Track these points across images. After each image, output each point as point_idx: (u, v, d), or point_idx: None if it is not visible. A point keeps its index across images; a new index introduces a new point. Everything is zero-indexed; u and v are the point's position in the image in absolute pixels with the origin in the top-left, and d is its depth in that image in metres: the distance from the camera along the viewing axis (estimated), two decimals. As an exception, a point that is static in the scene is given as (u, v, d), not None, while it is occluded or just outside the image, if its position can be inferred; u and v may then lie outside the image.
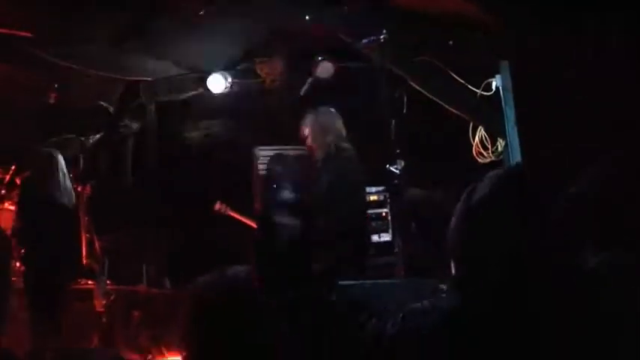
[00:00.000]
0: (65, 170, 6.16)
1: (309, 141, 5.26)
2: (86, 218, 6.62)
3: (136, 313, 6.64)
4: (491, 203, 1.76)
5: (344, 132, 5.32)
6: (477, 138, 5.87)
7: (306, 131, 5.26)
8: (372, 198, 6.33)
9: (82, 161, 6.92)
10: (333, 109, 5.43)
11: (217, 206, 6.86)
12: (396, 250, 5.93)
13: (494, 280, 1.70)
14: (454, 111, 5.81)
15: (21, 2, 5.88)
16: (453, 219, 1.81)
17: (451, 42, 5.92)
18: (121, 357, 5.87)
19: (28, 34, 6.26)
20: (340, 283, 4.58)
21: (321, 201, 5.19)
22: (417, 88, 5.78)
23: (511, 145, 5.51)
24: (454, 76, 5.69)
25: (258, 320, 2.24)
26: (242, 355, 2.15)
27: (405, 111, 5.84)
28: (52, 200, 5.97)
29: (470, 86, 5.67)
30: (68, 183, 6.24)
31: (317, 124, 5.24)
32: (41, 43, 6.30)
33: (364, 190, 5.70)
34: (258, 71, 6.71)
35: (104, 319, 6.40)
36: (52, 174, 6.01)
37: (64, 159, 6.41)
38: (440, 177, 5.97)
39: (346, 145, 5.23)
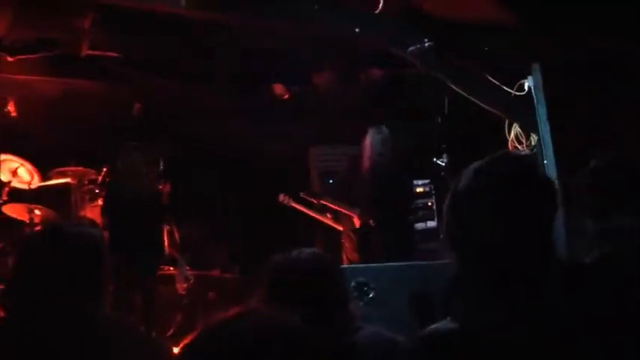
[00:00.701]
0: (145, 169, 6.50)
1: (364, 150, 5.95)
2: (168, 211, 6.97)
3: (211, 295, 7.23)
4: (469, 193, 1.73)
5: (387, 147, 5.90)
6: (512, 133, 6.34)
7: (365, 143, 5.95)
8: (419, 190, 6.76)
9: (161, 162, 7.29)
10: (383, 128, 5.96)
11: (281, 198, 7.05)
12: (441, 236, 6.48)
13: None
14: (491, 110, 6.05)
15: (110, 27, 6.52)
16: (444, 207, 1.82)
17: (486, 48, 6.53)
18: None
19: (117, 55, 7.00)
20: (394, 264, 4.86)
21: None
22: (457, 90, 6.04)
23: (543, 140, 5.83)
24: (490, 78, 6.07)
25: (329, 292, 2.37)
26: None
27: (446, 111, 6.45)
28: (136, 195, 6.29)
29: (504, 87, 5.96)
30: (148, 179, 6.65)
31: (367, 141, 5.90)
32: (128, 62, 7.02)
33: (406, 185, 6.26)
34: (314, 80, 7.21)
35: (185, 301, 6.93)
36: (135, 173, 6.34)
37: (147, 160, 6.77)
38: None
39: (386, 156, 5.83)
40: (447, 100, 6.26)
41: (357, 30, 6.04)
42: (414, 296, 4.21)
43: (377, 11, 6.02)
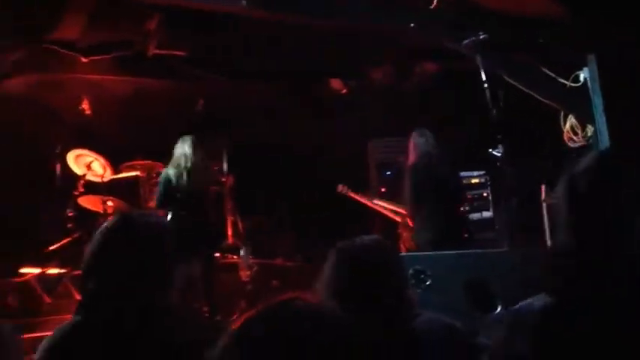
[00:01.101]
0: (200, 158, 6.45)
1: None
2: (231, 203, 7.30)
3: (274, 282, 7.41)
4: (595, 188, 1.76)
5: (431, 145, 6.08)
6: (567, 124, 6.34)
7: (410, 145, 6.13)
8: (474, 181, 6.89)
9: (225, 156, 7.47)
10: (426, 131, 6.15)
11: (339, 188, 7.20)
12: (497, 226, 6.59)
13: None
14: (546, 102, 6.06)
15: (175, 27, 6.80)
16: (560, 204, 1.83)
17: (541, 40, 6.57)
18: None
19: (183, 54, 7.32)
20: (450, 252, 4.88)
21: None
22: (512, 82, 6.03)
23: (600, 131, 5.80)
24: (545, 70, 6.17)
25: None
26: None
27: (502, 103, 6.52)
28: (183, 183, 6.29)
29: (559, 79, 5.95)
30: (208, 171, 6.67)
31: (412, 142, 6.09)
32: (193, 61, 7.32)
33: (453, 180, 6.31)
34: (371, 74, 7.40)
35: (249, 287, 7.13)
36: (181, 161, 6.35)
37: (211, 154, 6.92)
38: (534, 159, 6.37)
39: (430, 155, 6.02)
40: (502, 93, 6.32)
41: (412, 25, 6.04)
42: (470, 283, 4.23)
43: (432, 6, 6.22)
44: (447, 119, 6.75)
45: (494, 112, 5.50)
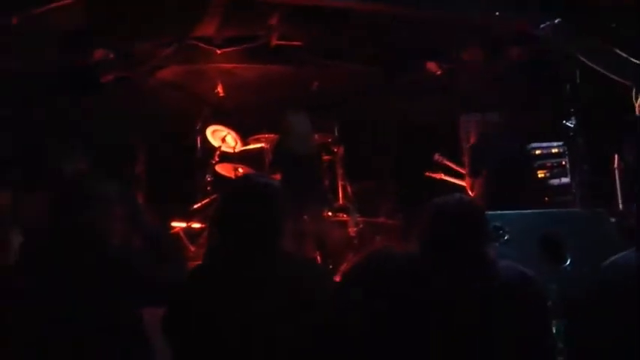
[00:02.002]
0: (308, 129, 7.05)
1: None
2: (341, 170, 8.00)
3: (378, 238, 8.04)
4: None
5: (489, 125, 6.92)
6: (639, 100, 6.67)
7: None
8: (554, 150, 7.41)
9: (336, 129, 8.18)
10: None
11: (436, 157, 7.85)
12: (573, 190, 7.19)
13: None
14: (620, 80, 6.36)
15: (295, 22, 7.59)
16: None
17: (614, 25, 6.97)
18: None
19: (299, 44, 8.12)
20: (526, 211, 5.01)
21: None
22: (587, 62, 6.36)
23: None
24: (618, 51, 6.37)
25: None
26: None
27: (578, 80, 7.00)
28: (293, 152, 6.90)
29: (632, 59, 6.29)
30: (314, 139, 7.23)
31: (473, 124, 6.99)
32: (308, 49, 8.11)
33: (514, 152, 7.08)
34: (464, 57, 7.91)
35: (355, 242, 7.68)
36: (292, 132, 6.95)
37: (323, 128, 7.76)
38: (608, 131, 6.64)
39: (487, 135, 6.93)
40: (578, 72, 6.81)
41: (496, 13, 6.51)
42: (544, 239, 4.38)
43: None
44: (532, 97, 7.33)
45: (568, 87, 6.00)
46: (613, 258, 1.81)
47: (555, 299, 2.82)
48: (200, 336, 2.52)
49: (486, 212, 5.15)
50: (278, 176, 6.96)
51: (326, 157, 8.00)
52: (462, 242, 2.46)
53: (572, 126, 6.08)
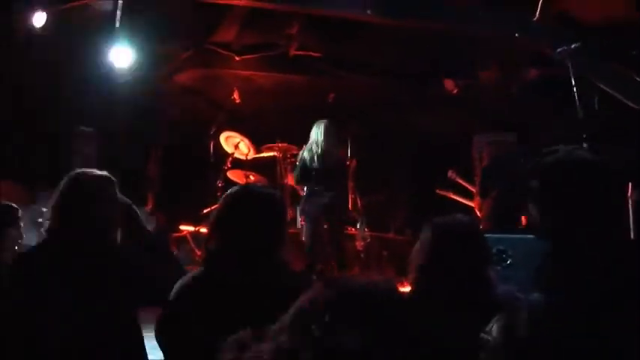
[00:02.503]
0: (335, 140, 6.91)
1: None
2: (351, 184, 7.81)
3: (384, 253, 8.02)
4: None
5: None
6: None
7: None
8: None
9: (349, 142, 7.88)
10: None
11: (450, 174, 7.77)
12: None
13: None
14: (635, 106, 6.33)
15: (315, 32, 7.75)
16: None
17: (634, 52, 6.91)
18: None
19: (318, 55, 8.22)
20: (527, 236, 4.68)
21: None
22: (605, 89, 6.42)
23: None
24: (637, 78, 6.41)
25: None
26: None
27: (596, 107, 6.92)
28: (319, 162, 6.79)
29: None
30: (338, 151, 7.07)
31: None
32: (326, 60, 8.19)
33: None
34: (480, 75, 7.90)
35: (362, 256, 7.75)
36: (321, 146, 6.79)
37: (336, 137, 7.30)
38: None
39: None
40: (596, 99, 6.74)
41: (516, 34, 6.54)
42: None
43: (535, 18, 6.48)
44: (546, 117, 7.27)
45: (581, 113, 5.67)
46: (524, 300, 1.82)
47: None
48: (194, 341, 2.45)
49: (489, 235, 4.92)
50: (300, 187, 7.20)
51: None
52: (462, 262, 2.44)
53: None
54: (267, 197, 2.64)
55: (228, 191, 2.61)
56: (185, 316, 2.52)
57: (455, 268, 2.43)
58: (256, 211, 2.56)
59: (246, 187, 2.73)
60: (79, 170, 2.91)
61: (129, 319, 2.84)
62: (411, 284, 2.55)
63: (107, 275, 2.76)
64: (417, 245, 2.56)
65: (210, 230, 2.61)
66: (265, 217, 2.57)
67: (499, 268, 4.20)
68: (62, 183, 2.86)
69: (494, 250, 4.18)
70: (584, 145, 6.04)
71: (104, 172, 2.97)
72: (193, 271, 2.69)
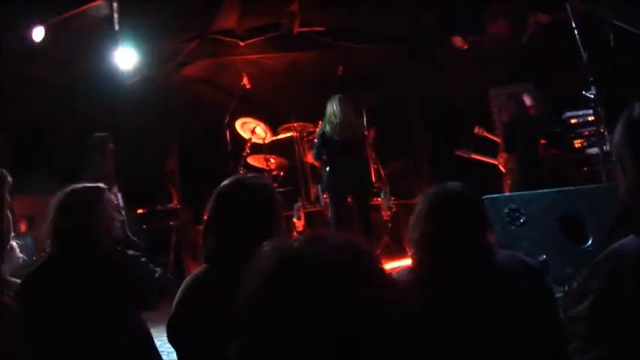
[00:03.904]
0: (351, 113, 6.84)
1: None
2: (373, 153, 7.82)
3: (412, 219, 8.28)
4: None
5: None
6: None
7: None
8: (590, 118, 7.05)
9: (364, 112, 7.82)
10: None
11: (476, 130, 7.73)
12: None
13: None
14: None
15: (316, 7, 7.62)
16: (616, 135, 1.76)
17: None
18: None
19: (322, 29, 8.11)
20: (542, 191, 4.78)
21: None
22: (620, 24, 6.18)
23: None
24: None
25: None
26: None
27: (612, 44, 6.70)
28: (337, 136, 6.76)
29: None
30: (358, 124, 7.06)
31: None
32: (331, 34, 8.07)
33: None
34: (489, 29, 7.67)
35: (390, 225, 7.76)
36: (336, 117, 6.78)
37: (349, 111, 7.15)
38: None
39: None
40: (611, 36, 6.51)
41: None
42: (564, 218, 4.20)
43: None
44: (561, 64, 7.04)
45: (585, 56, 5.56)
46: (616, 245, 1.66)
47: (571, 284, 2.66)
48: (205, 339, 2.46)
49: (501, 195, 5.08)
50: (319, 163, 7.13)
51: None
52: (459, 229, 2.40)
53: (592, 96, 5.66)
54: (258, 187, 2.61)
55: (219, 186, 2.58)
56: (193, 315, 2.52)
57: (452, 238, 2.39)
58: (248, 204, 2.52)
59: (236, 181, 2.64)
60: (71, 186, 2.97)
61: (136, 323, 2.88)
62: (412, 258, 2.50)
63: (108, 285, 2.80)
64: (413, 218, 2.52)
65: (206, 228, 2.58)
66: (258, 207, 2.54)
67: (513, 227, 4.14)
68: (56, 199, 2.92)
69: (506, 210, 4.16)
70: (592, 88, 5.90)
71: (96, 184, 3.02)
72: (198, 269, 2.67)
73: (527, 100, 7.18)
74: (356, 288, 1.13)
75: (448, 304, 2.26)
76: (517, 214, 4.22)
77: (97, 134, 6.25)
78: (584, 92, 5.66)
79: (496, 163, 7.46)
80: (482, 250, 2.39)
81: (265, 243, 1.25)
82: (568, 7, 5.81)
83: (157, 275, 3.02)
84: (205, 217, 2.61)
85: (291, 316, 1.09)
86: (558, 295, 2.58)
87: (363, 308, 1.11)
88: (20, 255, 3.93)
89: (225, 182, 2.61)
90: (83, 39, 6.80)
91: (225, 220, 2.54)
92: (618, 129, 1.76)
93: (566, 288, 2.92)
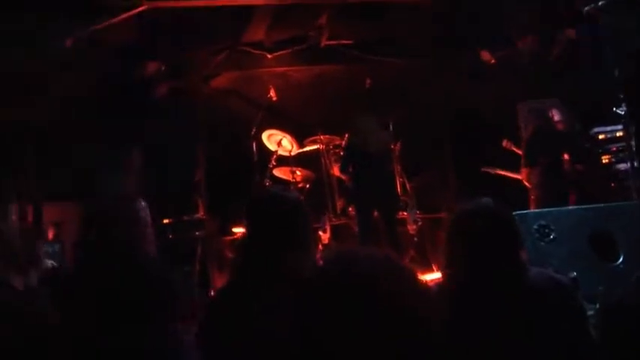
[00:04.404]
0: (377, 127, 7.02)
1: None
2: (399, 166, 7.83)
3: (440, 233, 7.47)
4: None
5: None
6: None
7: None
8: (618, 134, 7.00)
9: (391, 125, 7.87)
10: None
11: (505, 143, 7.74)
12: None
13: None
14: None
15: (344, 20, 7.75)
16: None
17: None
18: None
19: (350, 42, 8.23)
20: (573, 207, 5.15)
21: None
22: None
23: None
24: None
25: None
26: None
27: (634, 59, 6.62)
28: (364, 150, 6.86)
29: None
30: (384, 138, 7.15)
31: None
32: (358, 47, 8.19)
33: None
34: (518, 44, 7.76)
35: (416, 239, 7.64)
36: (362, 131, 6.93)
37: (379, 124, 7.36)
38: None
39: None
40: (633, 52, 6.42)
41: None
42: (594, 236, 4.28)
43: None
44: (592, 80, 6.96)
45: (617, 72, 5.52)
46: None
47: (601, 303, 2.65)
48: (235, 351, 2.50)
49: (529, 212, 5.02)
50: (346, 176, 7.17)
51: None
52: (492, 246, 2.40)
53: (622, 113, 5.61)
54: (291, 201, 2.64)
55: (251, 201, 2.66)
56: (224, 327, 2.55)
57: (485, 254, 2.40)
58: (281, 217, 2.56)
59: (264, 196, 2.73)
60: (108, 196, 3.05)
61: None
62: (442, 273, 2.58)
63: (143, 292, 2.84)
64: (444, 233, 2.54)
65: (240, 243, 2.78)
66: (291, 221, 2.57)
67: (542, 243, 4.18)
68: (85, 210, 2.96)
69: (535, 226, 4.21)
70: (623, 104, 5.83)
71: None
72: (226, 281, 2.79)
73: (556, 115, 7.18)
74: (397, 299, 1.17)
75: (479, 320, 2.26)
76: (547, 230, 4.27)
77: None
78: (614, 109, 5.61)
79: (520, 178, 7.40)
80: (514, 267, 2.40)
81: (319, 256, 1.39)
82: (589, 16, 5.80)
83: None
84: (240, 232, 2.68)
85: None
86: (590, 312, 2.58)
87: (400, 318, 1.15)
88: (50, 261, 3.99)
89: (257, 196, 2.75)
90: (112, 50, 6.92)
91: (257, 234, 2.58)
92: None
93: (597, 306, 2.89)
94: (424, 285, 1.31)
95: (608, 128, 7.26)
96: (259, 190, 7.42)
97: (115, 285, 2.83)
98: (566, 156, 7.11)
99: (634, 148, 6.15)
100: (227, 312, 2.57)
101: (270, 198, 2.70)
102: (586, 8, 5.78)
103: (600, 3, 5.63)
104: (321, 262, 1.32)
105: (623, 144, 6.98)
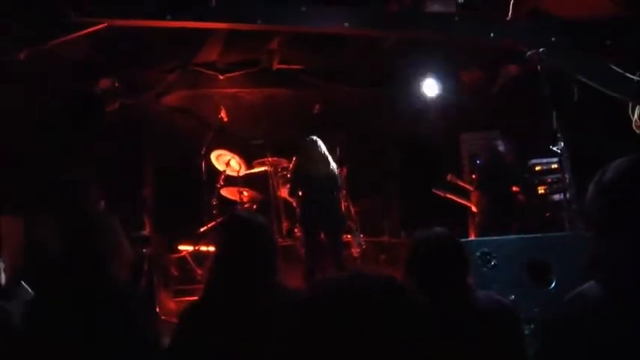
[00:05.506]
0: (325, 152, 7.01)
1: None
2: (344, 191, 7.82)
3: (382, 257, 8.18)
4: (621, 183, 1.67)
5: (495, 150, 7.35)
6: (635, 114, 6.52)
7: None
8: (553, 166, 7.48)
9: (338, 150, 7.82)
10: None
11: (449, 177, 7.96)
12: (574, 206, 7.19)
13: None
14: (616, 96, 6.45)
15: (296, 46, 7.86)
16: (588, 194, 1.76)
17: (608, 42, 7.01)
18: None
19: (300, 67, 8.39)
20: (512, 237, 5.27)
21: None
22: (583, 80, 6.51)
23: None
24: (614, 67, 6.47)
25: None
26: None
27: (576, 98, 7.03)
28: (313, 174, 6.93)
29: (628, 75, 6.40)
30: (332, 163, 7.08)
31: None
32: (309, 72, 8.38)
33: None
34: (462, 77, 8.12)
35: (359, 262, 7.74)
36: (311, 156, 6.95)
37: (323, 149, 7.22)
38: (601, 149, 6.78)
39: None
40: (576, 90, 6.84)
41: (491, 35, 6.66)
42: (531, 263, 4.55)
43: (508, 18, 6.59)
44: (530, 114, 7.26)
45: (554, 113, 5.88)
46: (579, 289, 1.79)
47: (537, 323, 2.96)
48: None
49: (473, 240, 5.41)
50: (293, 199, 7.29)
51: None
52: (446, 271, 2.61)
53: (559, 151, 6.02)
54: (256, 225, 2.77)
55: (222, 223, 2.84)
56: (193, 345, 2.66)
57: (436, 279, 2.60)
58: (255, 240, 2.70)
59: (235, 217, 2.83)
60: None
61: None
62: None
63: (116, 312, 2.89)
64: (401, 262, 2.72)
65: (211, 262, 2.77)
66: (256, 244, 2.70)
67: (484, 269, 4.46)
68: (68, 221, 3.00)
69: (478, 253, 4.49)
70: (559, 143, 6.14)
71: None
72: (195, 300, 2.87)
73: (501, 147, 7.54)
74: (396, 315, 1.28)
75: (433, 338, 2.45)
76: (488, 257, 4.55)
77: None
78: (551, 147, 5.97)
79: (468, 204, 7.71)
80: (463, 289, 2.62)
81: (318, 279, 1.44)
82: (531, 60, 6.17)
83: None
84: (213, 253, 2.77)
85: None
86: (526, 332, 2.79)
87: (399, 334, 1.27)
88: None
89: (229, 219, 2.80)
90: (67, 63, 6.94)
91: (229, 255, 2.71)
92: (590, 190, 1.82)
93: (532, 326, 3.18)
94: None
95: (544, 160, 7.65)
96: (231, 212, 7.63)
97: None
98: (515, 188, 7.45)
99: (567, 181, 6.58)
100: (198, 331, 2.67)
101: (241, 220, 2.81)
102: (528, 53, 6.12)
103: (541, 50, 6.04)
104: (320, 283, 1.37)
105: (558, 176, 7.43)
